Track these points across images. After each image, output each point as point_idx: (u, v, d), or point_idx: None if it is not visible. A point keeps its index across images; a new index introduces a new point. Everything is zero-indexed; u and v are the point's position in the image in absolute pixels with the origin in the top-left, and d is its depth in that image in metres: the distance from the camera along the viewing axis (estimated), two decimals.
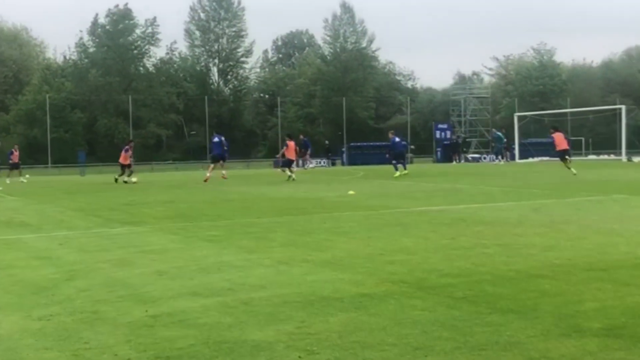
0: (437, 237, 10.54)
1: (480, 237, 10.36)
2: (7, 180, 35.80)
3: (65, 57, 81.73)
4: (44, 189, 29.26)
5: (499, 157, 48.77)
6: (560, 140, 30.85)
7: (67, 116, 71.13)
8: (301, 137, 47.43)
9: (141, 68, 79.95)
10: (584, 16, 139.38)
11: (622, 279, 7.14)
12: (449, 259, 8.47)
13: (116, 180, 30.58)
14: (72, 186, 30.68)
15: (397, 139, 32.20)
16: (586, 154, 64.32)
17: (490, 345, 4.98)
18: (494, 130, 48.43)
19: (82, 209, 17.50)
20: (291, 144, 31.75)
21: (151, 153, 72.22)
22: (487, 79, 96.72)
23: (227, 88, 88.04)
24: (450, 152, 57.03)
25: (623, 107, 54.10)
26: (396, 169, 30.66)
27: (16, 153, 39.00)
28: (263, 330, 5.48)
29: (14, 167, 38.55)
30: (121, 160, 31.36)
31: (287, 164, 31.15)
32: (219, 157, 31.54)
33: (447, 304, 6.21)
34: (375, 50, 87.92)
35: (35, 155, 62.92)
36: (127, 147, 31.74)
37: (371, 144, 62.13)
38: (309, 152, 47.03)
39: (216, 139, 31.64)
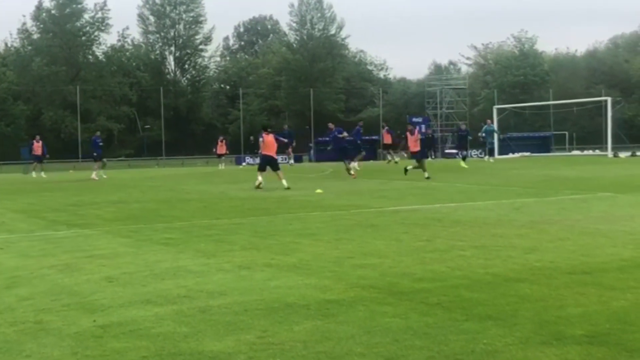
0: (411, 238, 10.59)
1: (457, 238, 10.44)
2: (33, 174, 38.14)
3: (6, 44, 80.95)
4: None
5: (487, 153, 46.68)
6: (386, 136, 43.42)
7: (9, 108, 70.30)
8: (285, 127, 47.49)
9: (90, 56, 79.17)
10: (568, 2, 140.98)
11: (606, 282, 7.23)
12: (423, 263, 8.52)
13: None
14: (13, 185, 30.33)
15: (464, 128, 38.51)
16: (570, 149, 64.96)
17: (466, 355, 5.02)
18: (489, 122, 46.57)
19: (24, 210, 17.32)
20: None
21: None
22: (464, 69, 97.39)
23: (184, 78, 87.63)
24: (425, 147, 56.92)
25: (609, 99, 54.69)
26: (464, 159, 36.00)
27: (37, 144, 40.20)
28: (222, 341, 5.47)
29: (37, 159, 40.22)
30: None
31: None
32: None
33: (420, 310, 6.24)
34: (345, 38, 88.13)
35: None
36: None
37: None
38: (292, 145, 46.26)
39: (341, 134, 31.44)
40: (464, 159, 37.20)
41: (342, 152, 29.41)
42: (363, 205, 16.43)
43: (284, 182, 22.25)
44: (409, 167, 27.07)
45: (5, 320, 6.29)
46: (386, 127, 45.76)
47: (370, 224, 12.57)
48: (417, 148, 27.49)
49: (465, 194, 19.16)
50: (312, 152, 60.26)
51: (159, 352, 5.23)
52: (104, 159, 36.08)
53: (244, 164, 51.76)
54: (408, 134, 28.26)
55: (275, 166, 23.33)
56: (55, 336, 5.73)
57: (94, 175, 32.93)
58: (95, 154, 34.90)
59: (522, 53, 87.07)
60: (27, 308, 6.71)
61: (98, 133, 37.81)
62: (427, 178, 25.09)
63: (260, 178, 22.87)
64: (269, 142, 23.55)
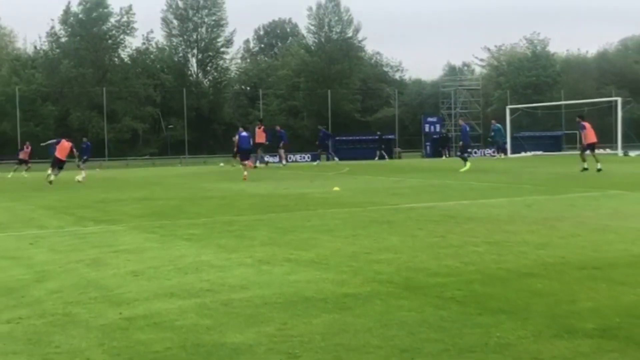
0: (425, 234, 10.57)
1: (470, 234, 10.41)
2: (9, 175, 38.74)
3: (35, 47, 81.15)
4: (14, 185, 29.09)
5: (498, 151, 47.44)
6: None
7: (38, 109, 70.61)
8: (277, 128, 46.90)
9: (116, 59, 79.44)
10: (579, 4, 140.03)
11: (616, 277, 7.19)
12: (438, 258, 8.50)
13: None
14: (42, 183, 30.47)
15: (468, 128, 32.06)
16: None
17: (479, 347, 5.01)
18: (493, 121, 47.89)
19: (53, 207, 17.41)
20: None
21: (126, 148, 71.91)
22: (478, 70, 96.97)
23: (206, 80, 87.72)
24: (440, 146, 57.15)
25: (619, 99, 54.36)
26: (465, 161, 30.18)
27: (27, 150, 42.28)
28: (243, 333, 5.48)
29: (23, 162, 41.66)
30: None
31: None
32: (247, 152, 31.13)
33: (435, 304, 6.23)
34: (361, 40, 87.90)
35: (4, 150, 62.44)
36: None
37: (357, 137, 62.12)
38: (281, 144, 44.72)
39: (244, 134, 31.02)
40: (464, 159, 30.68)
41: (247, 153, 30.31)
42: (379, 202, 16.40)
43: (51, 177, 26.72)
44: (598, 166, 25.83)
45: (35, 312, 6.33)
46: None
47: (386, 221, 12.55)
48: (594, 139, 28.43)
49: (478, 191, 19.09)
50: (329, 150, 60.03)
51: (183, 344, 5.25)
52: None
53: (260, 164, 51.43)
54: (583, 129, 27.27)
55: (61, 168, 27.82)
56: (82, 328, 5.76)
57: (83, 175, 31.49)
58: (85, 157, 36.12)
59: (534, 55, 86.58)
60: (56, 301, 6.75)
61: (85, 139, 39.25)
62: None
63: (52, 177, 26.90)
64: (63, 147, 27.70)
